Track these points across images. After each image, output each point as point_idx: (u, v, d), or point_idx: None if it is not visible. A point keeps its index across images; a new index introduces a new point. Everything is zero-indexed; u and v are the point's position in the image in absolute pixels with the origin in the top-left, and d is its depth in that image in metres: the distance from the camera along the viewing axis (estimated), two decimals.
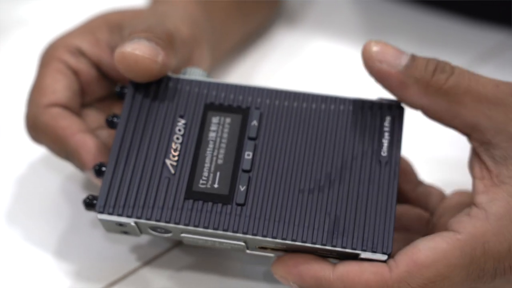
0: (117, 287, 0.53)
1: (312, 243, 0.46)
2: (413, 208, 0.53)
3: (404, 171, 0.54)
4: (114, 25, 0.55)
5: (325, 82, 0.67)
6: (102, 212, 0.47)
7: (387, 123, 0.49)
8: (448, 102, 0.47)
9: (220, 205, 0.47)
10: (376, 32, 0.71)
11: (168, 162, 0.48)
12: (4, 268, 0.54)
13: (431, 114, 0.48)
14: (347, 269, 0.46)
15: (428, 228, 0.52)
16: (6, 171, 0.59)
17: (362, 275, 0.46)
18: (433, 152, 0.58)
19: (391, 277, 0.45)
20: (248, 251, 0.48)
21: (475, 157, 0.48)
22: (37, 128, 0.53)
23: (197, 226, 0.47)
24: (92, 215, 0.55)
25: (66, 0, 0.68)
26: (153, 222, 0.47)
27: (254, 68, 0.67)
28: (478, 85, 0.47)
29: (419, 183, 0.54)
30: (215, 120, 0.49)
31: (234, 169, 0.48)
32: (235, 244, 0.48)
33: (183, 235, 0.48)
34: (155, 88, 0.50)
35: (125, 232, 0.49)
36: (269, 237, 0.47)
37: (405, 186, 0.54)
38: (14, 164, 0.60)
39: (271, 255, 0.48)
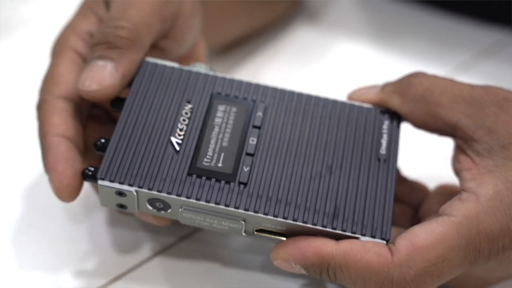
0: (121, 281, 0.53)
1: (313, 224, 0.47)
2: (398, 204, 0.54)
3: None
4: None
5: (334, 81, 0.68)
6: (103, 179, 0.48)
7: (385, 126, 0.51)
8: (426, 105, 0.50)
9: (223, 182, 0.48)
10: (376, 31, 0.72)
11: (173, 139, 0.49)
12: (11, 261, 0.54)
13: (415, 121, 0.51)
14: (351, 246, 0.46)
15: (413, 223, 0.52)
16: (8, 169, 0.59)
17: (366, 254, 0.46)
18: (415, 147, 0.59)
19: (392, 261, 0.46)
20: (244, 235, 0.48)
21: (461, 153, 0.50)
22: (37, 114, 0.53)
23: (199, 200, 0.47)
24: (100, 208, 0.56)
25: None
26: (154, 192, 0.47)
27: (264, 64, 0.68)
28: (453, 87, 0.50)
29: (402, 179, 0.55)
30: (221, 108, 0.51)
31: (238, 152, 0.49)
32: (233, 223, 0.48)
33: (181, 210, 0.48)
34: (164, 75, 0.52)
35: (121, 206, 0.49)
36: (270, 215, 0.47)
37: None
38: (16, 162, 0.60)
39: (267, 240, 0.48)
